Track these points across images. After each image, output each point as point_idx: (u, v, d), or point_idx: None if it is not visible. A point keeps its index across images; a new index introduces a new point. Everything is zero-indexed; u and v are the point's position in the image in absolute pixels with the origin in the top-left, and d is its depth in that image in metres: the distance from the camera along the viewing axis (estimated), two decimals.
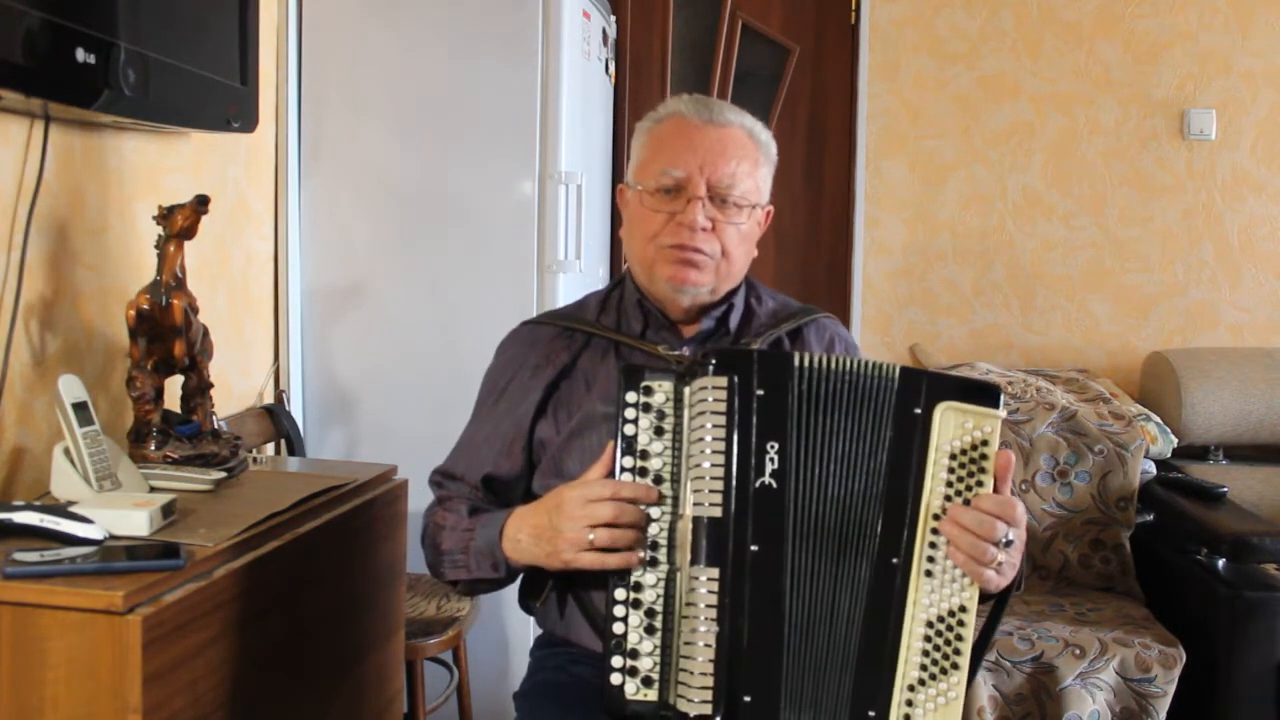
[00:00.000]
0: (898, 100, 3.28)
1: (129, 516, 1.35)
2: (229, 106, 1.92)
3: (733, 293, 1.46)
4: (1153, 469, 2.73)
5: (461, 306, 2.41)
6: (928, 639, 1.15)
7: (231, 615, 1.35)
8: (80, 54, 1.47)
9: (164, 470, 1.59)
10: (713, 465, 1.15)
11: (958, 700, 1.15)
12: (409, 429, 2.39)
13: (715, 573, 1.14)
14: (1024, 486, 2.67)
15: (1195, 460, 2.91)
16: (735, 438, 1.15)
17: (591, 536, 1.19)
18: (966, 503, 1.15)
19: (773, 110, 3.34)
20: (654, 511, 1.19)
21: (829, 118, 3.35)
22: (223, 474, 1.62)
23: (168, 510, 1.41)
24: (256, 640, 1.43)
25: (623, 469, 1.20)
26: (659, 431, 1.20)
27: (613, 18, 2.99)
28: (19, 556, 1.22)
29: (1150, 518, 2.66)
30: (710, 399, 1.15)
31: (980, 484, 1.15)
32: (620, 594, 1.18)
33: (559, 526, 1.23)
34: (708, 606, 1.13)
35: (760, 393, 1.15)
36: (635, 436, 1.20)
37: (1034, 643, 2.25)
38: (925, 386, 1.16)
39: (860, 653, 1.16)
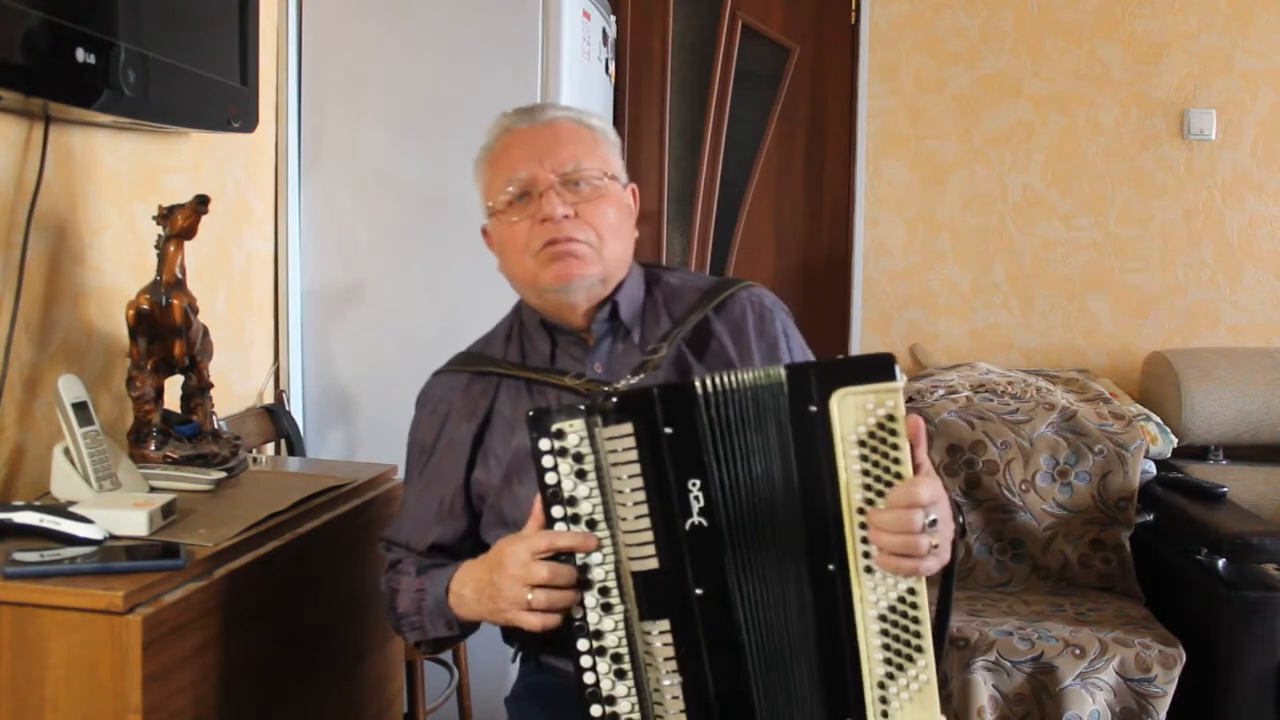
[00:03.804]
0: (898, 100, 3.28)
1: (129, 516, 1.35)
2: (229, 106, 1.91)
3: (620, 285, 1.38)
4: (1153, 469, 2.73)
5: (461, 306, 2.40)
6: (884, 633, 1.11)
7: (232, 615, 1.35)
8: (80, 54, 1.47)
9: (164, 470, 1.59)
10: (637, 517, 1.11)
11: (930, 684, 1.12)
12: (409, 429, 2.38)
13: (666, 624, 1.11)
14: (1024, 486, 2.67)
15: (1195, 460, 2.91)
16: (653, 484, 1.10)
17: (530, 598, 1.15)
18: (887, 484, 1.10)
19: (773, 110, 3.34)
20: (595, 558, 1.14)
21: (829, 118, 3.35)
22: (223, 474, 1.63)
23: (168, 510, 1.41)
24: (257, 640, 1.43)
25: (554, 519, 1.14)
26: (581, 475, 1.13)
27: (613, 18, 2.99)
28: (19, 556, 1.22)
29: (1150, 518, 2.66)
30: (620, 449, 1.11)
31: (897, 461, 1.10)
32: (583, 644, 1.14)
33: (499, 584, 1.18)
34: (666, 659, 1.12)
35: (668, 431, 1.10)
36: (559, 484, 1.13)
37: (1034, 643, 2.25)
38: (814, 380, 1.10)
39: (822, 666, 1.13)
